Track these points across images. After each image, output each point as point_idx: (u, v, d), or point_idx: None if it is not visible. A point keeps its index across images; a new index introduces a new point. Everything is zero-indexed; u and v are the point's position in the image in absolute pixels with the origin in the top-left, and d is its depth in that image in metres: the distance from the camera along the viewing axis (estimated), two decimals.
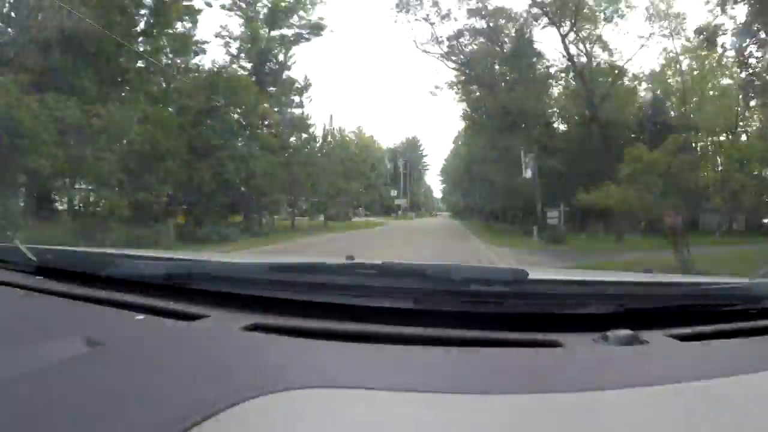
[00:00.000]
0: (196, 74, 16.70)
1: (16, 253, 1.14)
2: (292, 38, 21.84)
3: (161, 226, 12.43)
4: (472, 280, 0.80)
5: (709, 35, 15.67)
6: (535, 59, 19.90)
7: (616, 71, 19.13)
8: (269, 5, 20.88)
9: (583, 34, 18.88)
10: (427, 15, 19.76)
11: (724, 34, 15.45)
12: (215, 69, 17.47)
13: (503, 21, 19.77)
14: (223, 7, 19.87)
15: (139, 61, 14.58)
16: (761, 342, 0.73)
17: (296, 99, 22.59)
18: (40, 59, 11.13)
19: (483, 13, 19.43)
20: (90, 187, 12.52)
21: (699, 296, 0.90)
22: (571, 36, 18.61)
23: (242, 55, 20.96)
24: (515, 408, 0.50)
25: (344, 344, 0.67)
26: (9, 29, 12.26)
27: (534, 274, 0.82)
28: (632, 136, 18.34)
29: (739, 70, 16.59)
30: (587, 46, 19.20)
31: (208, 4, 17.93)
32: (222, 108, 15.63)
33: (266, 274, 0.91)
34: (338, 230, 23.54)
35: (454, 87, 22.11)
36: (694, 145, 18.80)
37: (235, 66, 20.09)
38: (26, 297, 0.96)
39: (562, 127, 21.77)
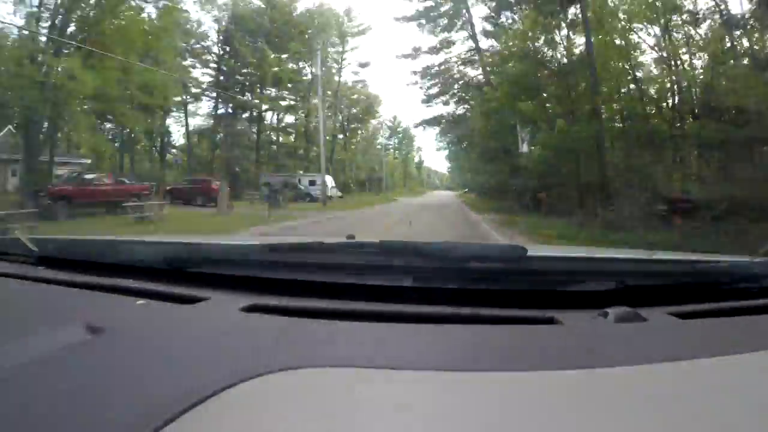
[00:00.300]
0: None
1: (17, 245, 1.14)
2: None
3: None
4: (471, 257, 0.80)
5: None
6: None
7: None
8: None
9: None
10: None
11: None
12: None
13: None
14: None
15: None
16: (761, 321, 0.73)
17: None
18: None
19: None
20: None
21: (699, 274, 0.89)
22: None
23: None
24: (514, 385, 0.50)
25: (343, 323, 0.67)
26: None
27: (533, 251, 0.82)
28: None
29: None
30: None
31: None
32: None
33: (266, 254, 0.91)
34: None
35: None
36: None
37: None
38: (27, 287, 0.96)
39: None
